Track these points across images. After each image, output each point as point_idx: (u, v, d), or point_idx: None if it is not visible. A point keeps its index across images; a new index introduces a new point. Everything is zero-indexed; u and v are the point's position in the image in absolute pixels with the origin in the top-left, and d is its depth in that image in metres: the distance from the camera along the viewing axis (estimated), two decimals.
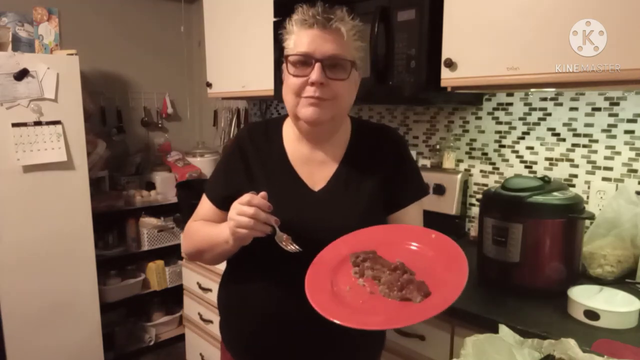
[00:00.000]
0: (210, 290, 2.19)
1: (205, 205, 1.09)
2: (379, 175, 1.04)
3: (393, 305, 0.77)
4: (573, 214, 1.27)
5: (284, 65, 0.98)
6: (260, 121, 1.18)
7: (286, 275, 0.97)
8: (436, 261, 0.83)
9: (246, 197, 0.87)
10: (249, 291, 1.05)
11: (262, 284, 1.02)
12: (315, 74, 0.92)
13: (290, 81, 0.96)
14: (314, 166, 1.04)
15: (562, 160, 1.62)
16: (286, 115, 1.09)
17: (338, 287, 0.84)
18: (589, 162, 1.56)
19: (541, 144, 1.67)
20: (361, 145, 1.07)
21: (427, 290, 0.77)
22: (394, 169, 1.06)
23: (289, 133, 1.07)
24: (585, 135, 1.56)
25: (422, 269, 0.83)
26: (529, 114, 1.69)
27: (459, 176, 1.84)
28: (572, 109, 1.58)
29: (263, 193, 0.88)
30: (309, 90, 0.94)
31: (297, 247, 0.90)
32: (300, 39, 0.95)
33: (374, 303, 0.79)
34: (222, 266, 1.13)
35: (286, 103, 1.00)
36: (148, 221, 2.80)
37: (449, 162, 1.91)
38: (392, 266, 0.84)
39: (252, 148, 1.06)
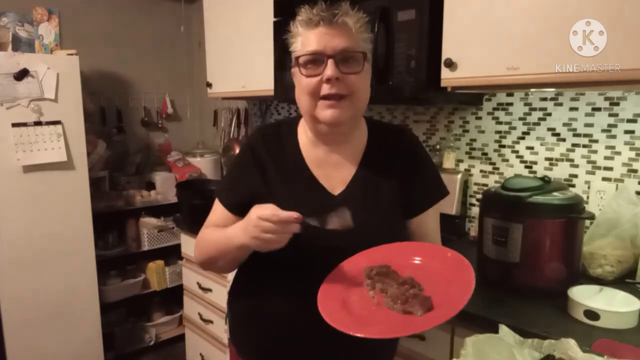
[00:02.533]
0: (210, 290, 2.19)
1: (218, 212, 1.06)
2: (398, 179, 1.02)
3: (394, 317, 0.80)
4: (573, 214, 1.27)
5: (295, 68, 0.96)
6: (272, 123, 1.13)
7: (302, 284, 0.94)
8: (446, 278, 0.84)
9: (268, 212, 0.82)
10: (265, 300, 1.03)
11: (278, 292, 1.01)
12: (329, 69, 0.90)
13: (304, 82, 0.93)
14: (331, 169, 1.02)
15: (562, 160, 1.62)
16: (299, 117, 1.06)
17: (349, 298, 0.86)
18: (589, 162, 1.56)
19: (541, 144, 1.67)
20: (378, 146, 1.05)
21: (431, 306, 0.79)
22: (413, 172, 1.04)
23: (304, 136, 1.04)
24: (585, 135, 1.56)
25: (431, 285, 0.84)
26: (529, 114, 1.69)
27: (459, 176, 1.84)
28: (572, 109, 1.58)
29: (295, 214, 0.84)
30: (325, 88, 0.91)
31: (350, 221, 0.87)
32: (308, 38, 0.92)
33: (377, 314, 0.82)
34: None
35: (301, 105, 0.97)
36: (148, 221, 2.80)
37: (449, 162, 1.91)
38: (401, 280, 0.86)
39: (266, 152, 1.02)
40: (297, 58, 0.94)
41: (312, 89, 0.92)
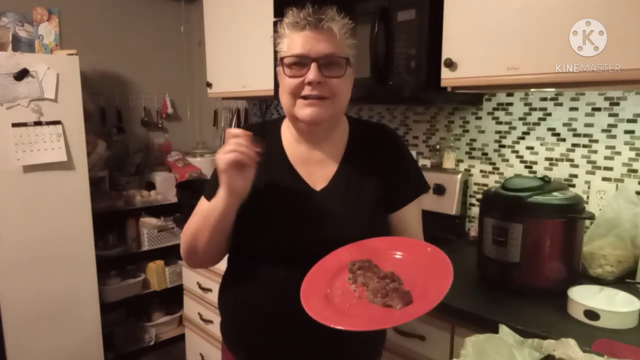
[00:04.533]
0: (210, 290, 2.19)
1: (203, 207, 1.07)
2: (379, 174, 1.05)
3: (374, 310, 0.82)
4: (573, 214, 1.27)
5: (279, 67, 0.99)
6: (257, 122, 1.18)
7: (285, 276, 0.97)
8: (426, 273, 0.86)
9: (229, 132, 0.90)
10: (250, 293, 1.04)
11: (263, 286, 1.02)
12: (312, 73, 0.93)
13: (287, 82, 0.96)
14: (314, 166, 1.04)
15: (562, 160, 1.62)
16: (284, 116, 1.09)
17: (332, 291, 0.88)
18: (589, 162, 1.56)
19: (541, 144, 1.67)
20: (360, 144, 1.07)
21: (410, 299, 0.81)
22: (393, 168, 1.06)
23: (287, 133, 1.07)
24: (585, 135, 1.56)
25: (411, 279, 0.87)
26: (529, 114, 1.69)
27: (459, 176, 1.84)
28: (572, 109, 1.58)
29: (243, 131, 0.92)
30: (306, 90, 0.94)
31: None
32: (294, 41, 0.95)
33: (358, 307, 0.84)
34: (222, 267, 1.13)
35: (283, 104, 1.01)
36: (148, 221, 2.80)
37: (449, 162, 1.91)
38: (382, 274, 0.88)
39: None
40: (282, 59, 0.97)
41: (294, 89, 0.96)
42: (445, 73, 1.46)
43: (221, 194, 0.93)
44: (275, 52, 1.03)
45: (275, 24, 1.94)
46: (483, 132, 1.83)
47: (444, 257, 0.86)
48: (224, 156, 0.88)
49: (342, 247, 0.95)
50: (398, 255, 0.95)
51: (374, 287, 0.85)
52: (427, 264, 0.88)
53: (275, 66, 1.04)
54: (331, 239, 0.97)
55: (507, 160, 1.77)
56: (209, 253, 1.05)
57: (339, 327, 0.76)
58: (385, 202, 1.05)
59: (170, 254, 2.90)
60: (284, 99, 0.99)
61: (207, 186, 1.11)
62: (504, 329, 0.80)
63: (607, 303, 1.12)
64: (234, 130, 0.90)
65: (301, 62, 0.94)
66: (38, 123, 2.14)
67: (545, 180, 1.33)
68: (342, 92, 0.98)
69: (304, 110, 0.96)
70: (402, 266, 0.91)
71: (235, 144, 0.88)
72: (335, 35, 0.94)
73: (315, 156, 1.05)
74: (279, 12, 1.94)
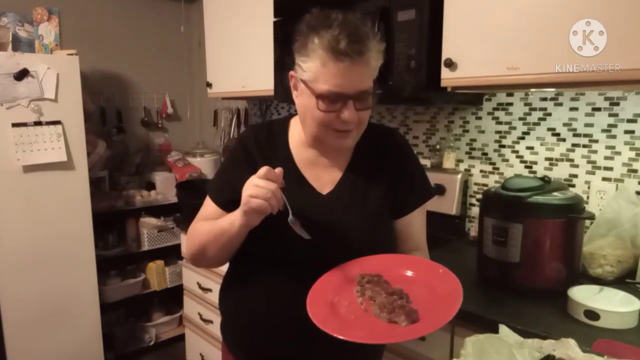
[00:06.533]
0: (210, 290, 2.20)
1: (209, 208, 1.07)
2: (385, 179, 1.04)
3: (378, 325, 0.82)
4: (573, 214, 1.27)
5: (303, 87, 0.93)
6: (263, 122, 1.16)
7: (288, 279, 0.97)
8: (435, 294, 0.86)
9: (263, 169, 0.87)
10: (252, 295, 1.04)
11: (264, 288, 1.02)
12: (348, 113, 0.90)
13: (318, 114, 0.92)
14: (320, 169, 1.03)
15: (562, 160, 1.62)
16: (290, 116, 1.08)
17: (339, 301, 0.88)
18: (589, 162, 1.56)
19: (541, 144, 1.67)
20: (367, 148, 1.06)
21: (416, 318, 0.81)
22: (400, 173, 1.05)
23: (295, 135, 1.06)
24: (585, 135, 1.56)
25: (419, 298, 0.87)
26: (529, 114, 1.69)
27: (459, 176, 1.84)
28: (572, 109, 1.58)
29: (279, 169, 0.88)
30: (340, 125, 0.92)
31: (307, 234, 0.89)
32: (330, 71, 0.87)
33: (363, 320, 0.84)
34: (223, 267, 1.12)
35: (306, 127, 0.98)
36: (148, 221, 2.80)
37: (449, 162, 1.91)
38: (390, 290, 0.88)
39: (257, 149, 1.04)
40: (319, 95, 0.90)
41: (328, 123, 0.93)
42: (445, 73, 1.46)
43: (237, 222, 0.92)
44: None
45: (275, 24, 1.95)
46: (483, 132, 1.83)
47: (454, 280, 0.86)
48: (252, 200, 0.86)
49: (353, 260, 0.95)
50: (409, 273, 0.95)
51: (381, 302, 0.84)
52: (437, 285, 0.88)
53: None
54: (336, 243, 0.96)
55: (507, 160, 1.77)
56: (217, 260, 1.06)
57: (340, 337, 0.76)
58: (390, 207, 1.04)
59: (170, 254, 2.90)
60: (311, 126, 0.95)
61: (211, 186, 1.11)
62: (504, 329, 0.80)
63: (607, 303, 1.12)
64: (268, 172, 0.86)
65: (337, 97, 0.90)
66: (38, 123, 2.14)
67: (545, 180, 1.33)
68: (367, 118, 0.97)
69: (334, 141, 0.96)
70: (411, 284, 0.91)
71: (265, 191, 0.85)
72: (372, 67, 0.91)
73: (322, 161, 1.04)
74: (279, 12, 1.94)
